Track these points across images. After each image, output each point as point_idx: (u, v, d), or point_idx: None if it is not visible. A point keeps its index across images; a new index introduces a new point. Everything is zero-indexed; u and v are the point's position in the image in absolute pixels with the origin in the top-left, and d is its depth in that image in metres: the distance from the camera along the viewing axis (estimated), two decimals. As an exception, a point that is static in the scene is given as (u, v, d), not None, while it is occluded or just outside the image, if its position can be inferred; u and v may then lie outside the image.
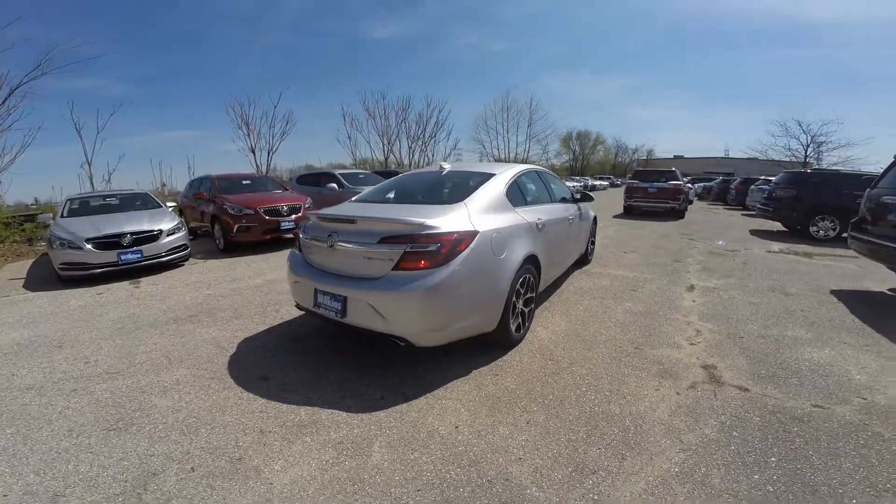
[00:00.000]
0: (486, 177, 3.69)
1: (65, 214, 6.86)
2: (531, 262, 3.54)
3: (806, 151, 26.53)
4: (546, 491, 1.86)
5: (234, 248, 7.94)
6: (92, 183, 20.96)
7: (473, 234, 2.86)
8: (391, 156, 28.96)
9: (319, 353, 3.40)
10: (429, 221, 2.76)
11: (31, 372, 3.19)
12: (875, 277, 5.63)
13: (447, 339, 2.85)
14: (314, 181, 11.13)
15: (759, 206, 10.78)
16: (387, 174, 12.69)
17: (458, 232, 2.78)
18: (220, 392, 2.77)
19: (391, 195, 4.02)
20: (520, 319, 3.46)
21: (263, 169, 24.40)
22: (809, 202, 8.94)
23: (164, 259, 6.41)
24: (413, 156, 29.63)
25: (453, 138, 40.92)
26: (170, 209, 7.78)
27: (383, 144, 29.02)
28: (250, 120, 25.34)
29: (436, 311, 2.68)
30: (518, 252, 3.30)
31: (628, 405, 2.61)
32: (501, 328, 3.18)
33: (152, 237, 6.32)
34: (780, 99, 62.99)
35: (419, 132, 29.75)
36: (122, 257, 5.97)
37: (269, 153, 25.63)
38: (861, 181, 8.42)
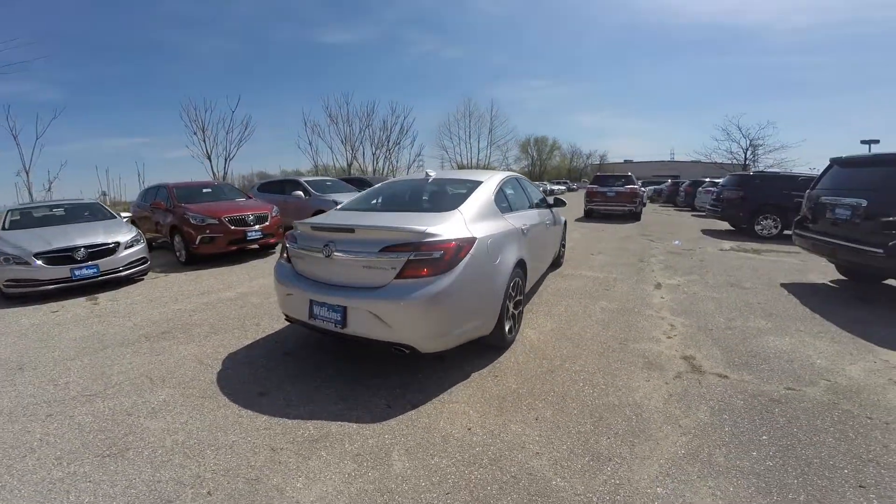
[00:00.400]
0: (475, 184, 3.77)
1: (6, 227, 6.23)
2: (520, 266, 3.64)
3: (745, 154, 28.97)
4: (570, 480, 1.94)
5: (196, 260, 7.53)
6: (30, 192, 19.25)
7: (472, 240, 2.91)
8: (354, 162, 28.49)
9: (314, 365, 3.31)
10: (430, 229, 2.78)
11: None
12: (817, 270, 6.24)
13: (450, 343, 2.88)
14: (278, 189, 10.80)
15: (708, 206, 11.63)
16: (354, 181, 12.53)
17: (458, 239, 2.82)
18: (215, 411, 2.64)
19: (379, 202, 4.00)
20: (511, 321, 3.55)
21: (220, 176, 23.27)
22: (754, 203, 9.77)
23: (122, 274, 5.99)
24: (377, 163, 29.31)
25: (417, 145, 40.93)
26: (125, 220, 7.28)
27: (346, 151, 28.51)
28: (206, 125, 24.13)
29: (441, 317, 2.70)
30: (510, 257, 3.39)
31: (625, 396, 2.75)
32: (497, 331, 3.25)
33: (109, 250, 5.89)
34: (721, 104, 68.56)
35: (384, 139, 29.47)
36: (76, 273, 5.52)
37: (226, 160, 24.51)
38: (798, 182, 9.31)
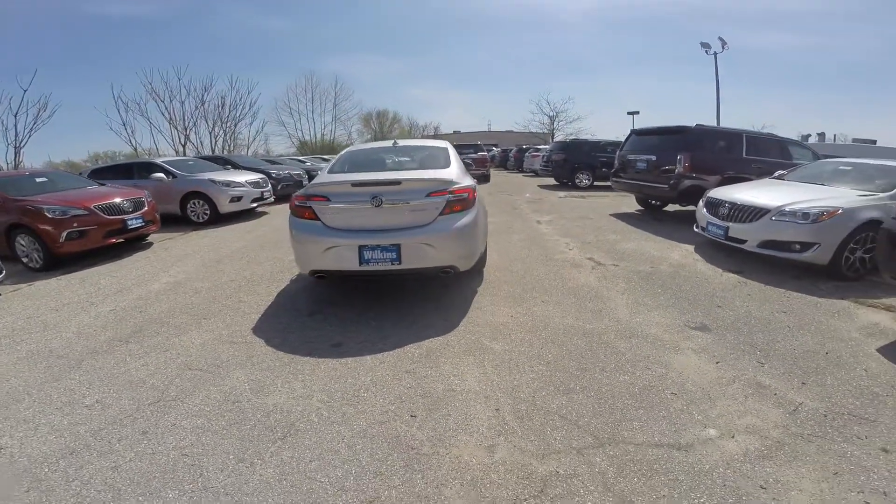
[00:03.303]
0: (444, 149, 4.64)
1: None
2: None
3: (553, 124, 35.84)
4: (594, 324, 3.37)
5: (57, 263, 6.19)
6: None
7: (475, 187, 3.91)
8: (189, 143, 24.07)
9: (352, 314, 3.75)
10: (454, 178, 3.68)
11: (32, 437, 2.41)
12: (625, 206, 9.25)
13: (473, 263, 3.83)
14: (122, 174, 9.13)
15: (539, 168, 14.79)
16: (216, 160, 11.33)
17: (470, 185, 3.80)
18: (317, 368, 2.87)
19: (375, 163, 4.48)
20: None
21: (9, 168, 16.85)
22: (573, 162, 13.08)
23: (-22, 287, 4.77)
24: (216, 142, 25.31)
25: (259, 121, 36.21)
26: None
27: (175, 130, 23.80)
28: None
29: (472, 240, 3.68)
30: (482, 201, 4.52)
31: (576, 282, 4.34)
32: (484, 255, 4.39)
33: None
34: (531, 78, 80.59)
35: (223, 116, 25.59)
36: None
37: (16, 148, 17.79)
38: (600, 146, 12.89)
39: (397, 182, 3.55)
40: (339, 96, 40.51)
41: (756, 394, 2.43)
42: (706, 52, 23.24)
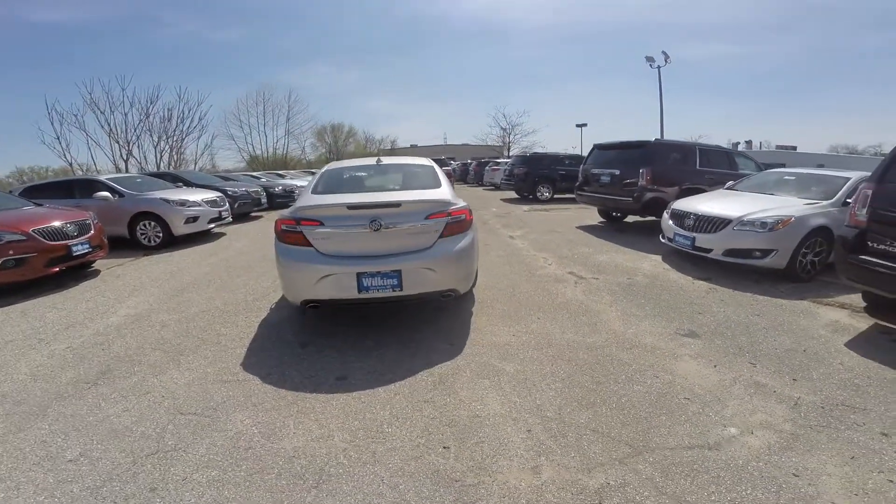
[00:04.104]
0: (431, 167, 4.59)
1: None
2: None
3: (509, 137, 36.97)
4: (593, 337, 3.48)
5: (-14, 295, 5.47)
6: None
7: (468, 208, 3.91)
8: (132, 158, 22.27)
9: (348, 344, 3.54)
10: (450, 198, 3.66)
11: (16, 499, 2.12)
12: (589, 218, 9.70)
13: (471, 284, 3.84)
14: (62, 193, 8.27)
15: (502, 181, 15.24)
16: (162, 176, 10.59)
17: (465, 206, 3.77)
18: (328, 405, 2.71)
19: (359, 183, 4.34)
20: None
21: None
22: (534, 176, 13.58)
23: None
24: (162, 157, 23.62)
25: (207, 135, 34.02)
26: None
27: (116, 144, 22.00)
28: None
29: (471, 262, 3.66)
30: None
31: (563, 296, 4.48)
32: (477, 273, 4.40)
33: None
34: (484, 93, 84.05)
35: (170, 130, 24.03)
36: None
37: None
38: (559, 159, 13.50)
39: (397, 204, 3.42)
40: (292, 109, 39.69)
41: (758, 392, 2.62)
42: (650, 65, 25.21)
